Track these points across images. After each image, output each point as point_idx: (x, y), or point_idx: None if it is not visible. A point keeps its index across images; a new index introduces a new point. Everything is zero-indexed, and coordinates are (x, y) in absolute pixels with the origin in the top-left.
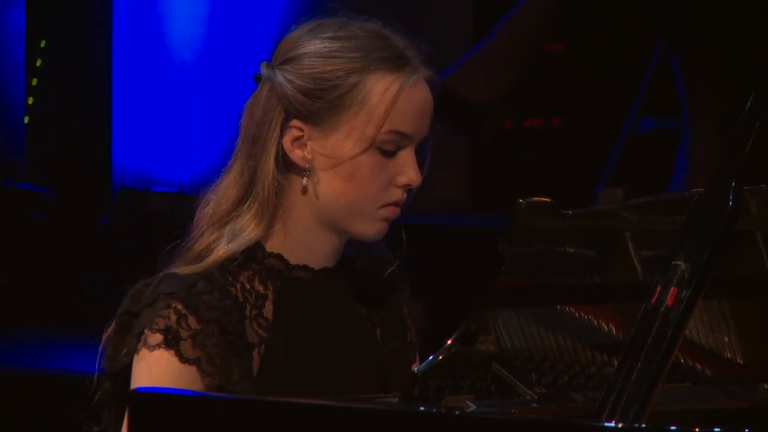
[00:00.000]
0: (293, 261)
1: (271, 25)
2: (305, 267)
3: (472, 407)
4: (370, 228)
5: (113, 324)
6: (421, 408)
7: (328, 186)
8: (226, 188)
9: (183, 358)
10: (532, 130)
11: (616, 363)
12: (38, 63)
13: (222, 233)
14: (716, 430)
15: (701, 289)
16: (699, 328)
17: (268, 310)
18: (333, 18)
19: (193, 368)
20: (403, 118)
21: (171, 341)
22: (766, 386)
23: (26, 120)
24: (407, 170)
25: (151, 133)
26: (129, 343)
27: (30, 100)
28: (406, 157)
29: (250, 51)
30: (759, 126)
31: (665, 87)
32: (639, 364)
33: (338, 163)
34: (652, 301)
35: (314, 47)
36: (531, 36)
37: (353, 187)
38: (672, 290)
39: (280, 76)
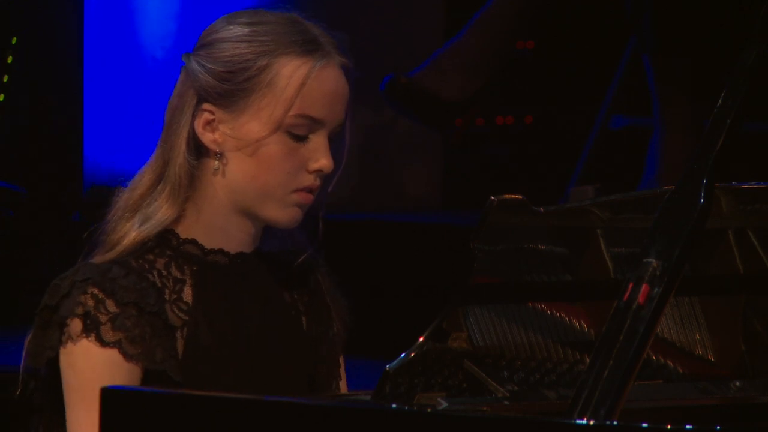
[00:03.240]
0: (208, 245)
1: None
2: (221, 251)
3: (444, 405)
4: (282, 213)
5: (34, 322)
6: (393, 405)
7: (238, 169)
8: (141, 175)
9: (104, 343)
10: (503, 127)
11: (587, 360)
12: (9, 59)
13: (135, 219)
14: (688, 427)
15: (673, 287)
16: (670, 325)
17: (187, 294)
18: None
19: (115, 351)
20: (313, 103)
21: (90, 326)
22: (737, 383)
23: None
24: (319, 156)
25: (122, 130)
26: (51, 337)
27: (1, 97)
28: (318, 142)
29: None
30: (730, 123)
31: (637, 84)
32: (611, 362)
33: (247, 146)
34: (624, 299)
35: (227, 32)
36: (503, 33)
37: (263, 170)
38: (643, 287)
39: (194, 62)
